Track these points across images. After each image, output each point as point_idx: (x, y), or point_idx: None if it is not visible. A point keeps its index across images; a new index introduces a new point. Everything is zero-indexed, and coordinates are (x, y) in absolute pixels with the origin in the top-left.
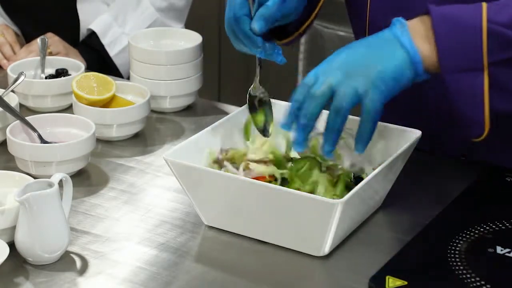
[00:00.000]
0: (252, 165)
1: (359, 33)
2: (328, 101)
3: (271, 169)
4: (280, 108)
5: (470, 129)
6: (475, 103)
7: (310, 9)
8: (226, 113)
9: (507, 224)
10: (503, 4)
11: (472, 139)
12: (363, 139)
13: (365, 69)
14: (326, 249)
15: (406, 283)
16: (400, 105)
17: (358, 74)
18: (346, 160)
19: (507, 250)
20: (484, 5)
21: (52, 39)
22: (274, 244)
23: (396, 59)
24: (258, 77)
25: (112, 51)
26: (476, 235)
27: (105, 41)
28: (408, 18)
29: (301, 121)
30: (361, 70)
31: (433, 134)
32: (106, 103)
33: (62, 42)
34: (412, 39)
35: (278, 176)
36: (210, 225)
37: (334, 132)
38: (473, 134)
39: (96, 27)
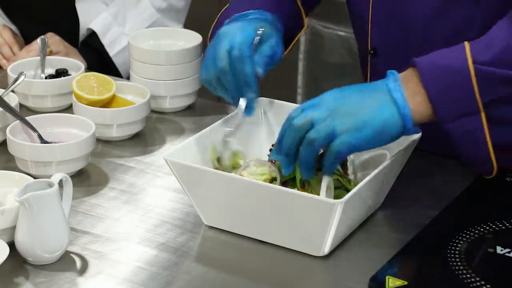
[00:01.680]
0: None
1: (361, 38)
2: (306, 133)
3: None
4: (280, 108)
5: (480, 168)
6: (478, 145)
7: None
8: (226, 113)
9: (507, 224)
10: (485, 42)
11: (485, 176)
12: (325, 168)
13: (348, 114)
14: (326, 249)
15: (406, 283)
16: None
17: (341, 117)
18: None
19: (507, 250)
20: (467, 46)
21: (52, 38)
22: (274, 244)
23: (384, 114)
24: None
25: (112, 51)
26: (476, 235)
27: (105, 41)
28: (407, 22)
29: (283, 150)
30: (345, 114)
31: (434, 135)
32: (106, 103)
33: (62, 42)
34: (405, 95)
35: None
36: (210, 225)
37: (305, 162)
38: (484, 172)
39: (96, 26)
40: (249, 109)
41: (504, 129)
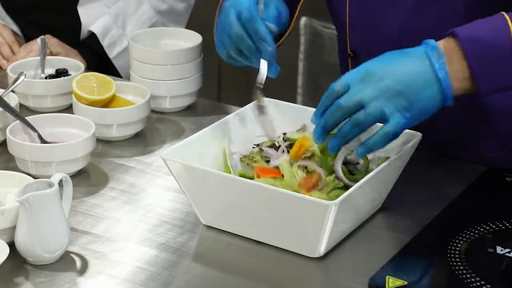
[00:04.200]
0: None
1: (341, 40)
2: (353, 113)
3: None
4: (280, 108)
5: None
6: None
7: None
8: (226, 113)
9: (507, 224)
10: None
11: None
12: (368, 147)
13: (397, 95)
14: (322, 250)
15: (406, 283)
16: None
17: (389, 97)
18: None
19: (507, 250)
20: (509, 21)
21: (51, 40)
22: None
23: (429, 95)
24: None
25: (111, 53)
26: (476, 235)
27: (104, 42)
28: (384, 24)
29: (323, 123)
30: (393, 94)
31: (435, 136)
32: (106, 103)
33: (60, 44)
34: (449, 74)
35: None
36: (208, 224)
37: (344, 139)
38: None
39: (96, 28)
40: (271, 67)
41: None
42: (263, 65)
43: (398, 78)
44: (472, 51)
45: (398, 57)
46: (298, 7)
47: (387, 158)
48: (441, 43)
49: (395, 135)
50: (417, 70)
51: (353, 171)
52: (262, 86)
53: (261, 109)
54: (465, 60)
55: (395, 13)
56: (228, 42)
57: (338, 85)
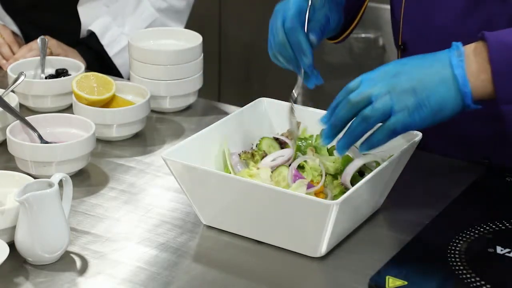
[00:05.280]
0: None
1: (395, 34)
2: (361, 109)
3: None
4: (280, 108)
5: None
6: None
7: (352, 16)
8: (226, 113)
9: (507, 224)
10: None
11: None
12: (370, 143)
13: (408, 92)
14: (323, 250)
15: (406, 283)
16: None
17: (399, 93)
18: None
19: (507, 250)
20: None
21: (50, 42)
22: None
23: (443, 92)
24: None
25: (111, 51)
26: (476, 235)
27: (104, 41)
28: (435, 20)
29: (332, 120)
30: (404, 90)
31: (437, 135)
32: (106, 103)
33: (60, 45)
34: (466, 72)
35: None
36: (208, 224)
37: (352, 136)
38: None
39: (95, 27)
40: (306, 76)
41: None
42: (300, 76)
43: (412, 75)
44: (499, 57)
45: (419, 58)
46: (359, 15)
47: (391, 156)
48: (468, 45)
49: (395, 131)
50: (434, 66)
51: (363, 170)
52: (295, 96)
53: (292, 117)
54: (488, 64)
55: (446, 13)
56: (274, 45)
57: (352, 82)
